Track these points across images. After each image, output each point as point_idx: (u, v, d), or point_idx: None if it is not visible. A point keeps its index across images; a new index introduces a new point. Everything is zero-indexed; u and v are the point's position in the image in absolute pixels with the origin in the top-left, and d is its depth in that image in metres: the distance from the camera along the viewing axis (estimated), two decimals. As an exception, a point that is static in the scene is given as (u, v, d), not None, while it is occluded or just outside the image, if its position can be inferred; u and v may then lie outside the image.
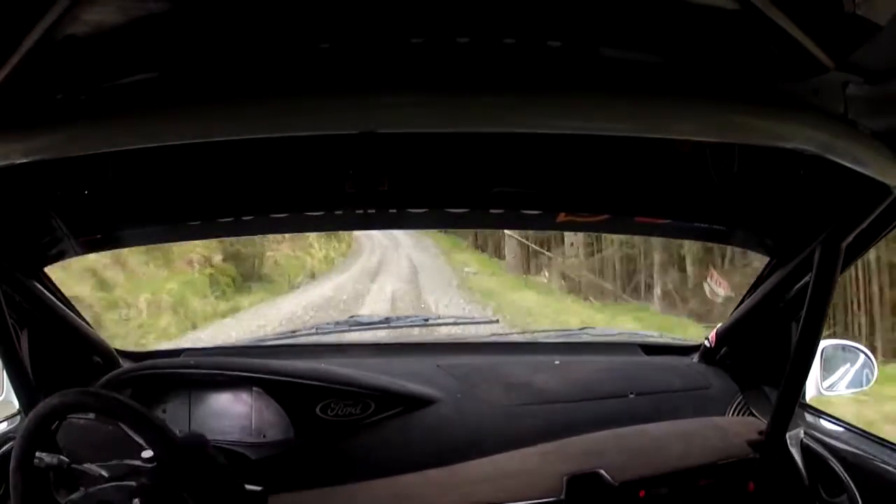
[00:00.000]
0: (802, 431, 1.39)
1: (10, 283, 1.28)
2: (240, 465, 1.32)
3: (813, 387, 1.50)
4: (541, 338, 2.07)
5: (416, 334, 2.08)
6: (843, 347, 1.58)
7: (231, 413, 1.39)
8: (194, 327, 8.21)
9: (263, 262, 11.12)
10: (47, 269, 1.40)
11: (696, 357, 1.68)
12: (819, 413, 1.49)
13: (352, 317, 1.96)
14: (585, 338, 1.90)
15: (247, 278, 10.47)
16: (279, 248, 11.62)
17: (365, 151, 1.21)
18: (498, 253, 14.90)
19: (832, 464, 1.32)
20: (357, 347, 1.86)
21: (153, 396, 1.39)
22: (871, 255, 7.31)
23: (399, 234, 14.34)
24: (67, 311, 1.44)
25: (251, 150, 1.12)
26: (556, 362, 1.63)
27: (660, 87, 0.78)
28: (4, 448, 1.30)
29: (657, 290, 10.49)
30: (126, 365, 1.53)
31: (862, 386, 1.57)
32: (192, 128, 0.79)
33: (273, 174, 1.26)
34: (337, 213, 1.36)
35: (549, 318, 8.22)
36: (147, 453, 1.12)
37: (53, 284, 1.42)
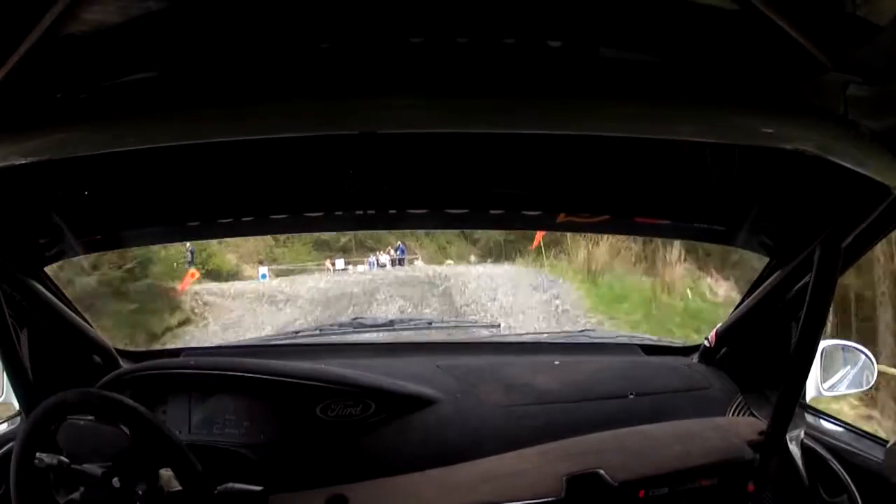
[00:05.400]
0: (803, 432, 1.39)
1: (10, 283, 1.28)
2: (240, 465, 1.32)
3: (813, 387, 1.50)
4: (541, 339, 2.07)
5: (417, 336, 2.07)
6: (843, 348, 1.57)
7: (231, 413, 1.39)
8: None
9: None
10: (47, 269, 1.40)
11: (695, 357, 1.68)
12: (819, 413, 1.49)
13: (355, 318, 1.96)
14: (585, 339, 1.90)
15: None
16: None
17: (365, 152, 1.21)
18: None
19: (832, 464, 1.32)
20: (357, 348, 1.85)
21: (153, 396, 1.38)
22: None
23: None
24: (67, 310, 1.44)
25: (251, 151, 1.12)
26: (556, 363, 1.63)
27: (660, 88, 0.78)
28: (5, 449, 1.30)
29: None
30: (126, 365, 1.53)
31: (862, 387, 1.57)
32: (192, 128, 0.79)
33: (273, 175, 1.26)
34: (337, 213, 1.36)
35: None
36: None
37: (54, 284, 1.42)
